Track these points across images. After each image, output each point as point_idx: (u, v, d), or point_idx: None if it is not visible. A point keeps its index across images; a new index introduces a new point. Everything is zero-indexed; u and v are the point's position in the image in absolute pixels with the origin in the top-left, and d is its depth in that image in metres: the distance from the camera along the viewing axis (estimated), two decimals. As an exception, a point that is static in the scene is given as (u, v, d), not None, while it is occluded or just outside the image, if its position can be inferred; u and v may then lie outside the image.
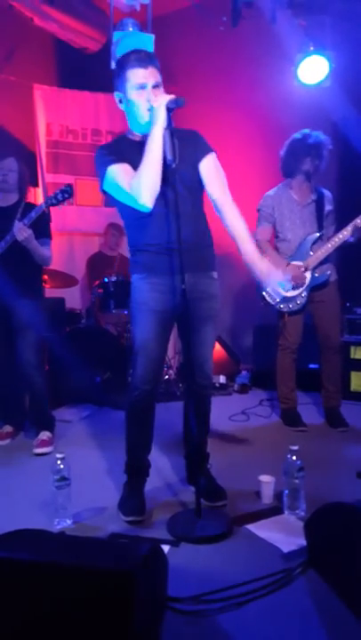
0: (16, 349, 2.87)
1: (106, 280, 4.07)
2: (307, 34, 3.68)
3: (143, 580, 1.25)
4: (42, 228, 2.84)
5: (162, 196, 1.93)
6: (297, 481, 2.00)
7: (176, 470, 2.50)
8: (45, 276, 3.79)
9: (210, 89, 4.70)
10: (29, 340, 2.86)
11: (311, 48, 3.63)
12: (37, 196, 4.74)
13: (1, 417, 3.16)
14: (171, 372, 4.44)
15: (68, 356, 3.70)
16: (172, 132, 1.87)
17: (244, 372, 4.38)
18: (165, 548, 1.71)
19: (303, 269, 3.04)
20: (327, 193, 3.18)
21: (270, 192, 3.20)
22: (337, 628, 1.42)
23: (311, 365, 3.82)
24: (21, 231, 2.67)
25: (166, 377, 4.40)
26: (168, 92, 1.92)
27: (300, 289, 3.06)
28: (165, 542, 1.82)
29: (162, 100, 1.85)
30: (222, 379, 4.32)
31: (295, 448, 2.04)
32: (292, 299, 3.09)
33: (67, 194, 2.70)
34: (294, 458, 2.01)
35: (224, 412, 3.56)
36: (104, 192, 2.04)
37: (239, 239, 2.02)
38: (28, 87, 4.85)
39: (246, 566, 1.69)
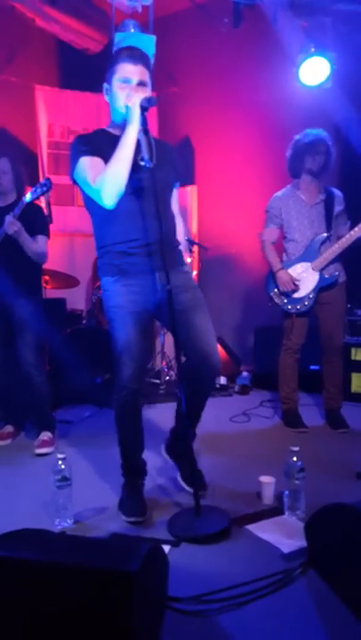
0: (16, 349, 2.88)
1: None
2: (308, 35, 3.66)
3: (143, 580, 1.26)
4: (38, 224, 2.90)
5: (137, 195, 1.93)
6: (297, 482, 2.00)
7: (176, 470, 2.50)
8: (47, 277, 3.80)
9: (211, 90, 4.69)
10: (29, 340, 2.87)
11: (312, 49, 3.61)
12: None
13: (2, 417, 3.17)
14: (171, 372, 4.44)
15: (68, 357, 3.70)
16: (147, 130, 1.86)
17: (244, 374, 4.37)
18: (166, 547, 1.71)
19: (291, 277, 3.05)
20: (338, 193, 3.14)
21: (278, 193, 3.19)
22: (337, 629, 1.42)
23: (312, 367, 3.82)
24: (10, 224, 2.72)
25: (167, 377, 4.41)
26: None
27: (309, 290, 3.05)
28: (166, 542, 1.82)
29: (135, 98, 1.85)
30: (223, 380, 4.32)
31: (296, 449, 2.04)
32: (300, 300, 3.08)
33: (45, 187, 2.79)
34: (295, 459, 2.01)
35: (225, 413, 3.56)
36: (74, 182, 2.03)
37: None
38: (29, 88, 4.86)
39: (247, 567, 1.70)
